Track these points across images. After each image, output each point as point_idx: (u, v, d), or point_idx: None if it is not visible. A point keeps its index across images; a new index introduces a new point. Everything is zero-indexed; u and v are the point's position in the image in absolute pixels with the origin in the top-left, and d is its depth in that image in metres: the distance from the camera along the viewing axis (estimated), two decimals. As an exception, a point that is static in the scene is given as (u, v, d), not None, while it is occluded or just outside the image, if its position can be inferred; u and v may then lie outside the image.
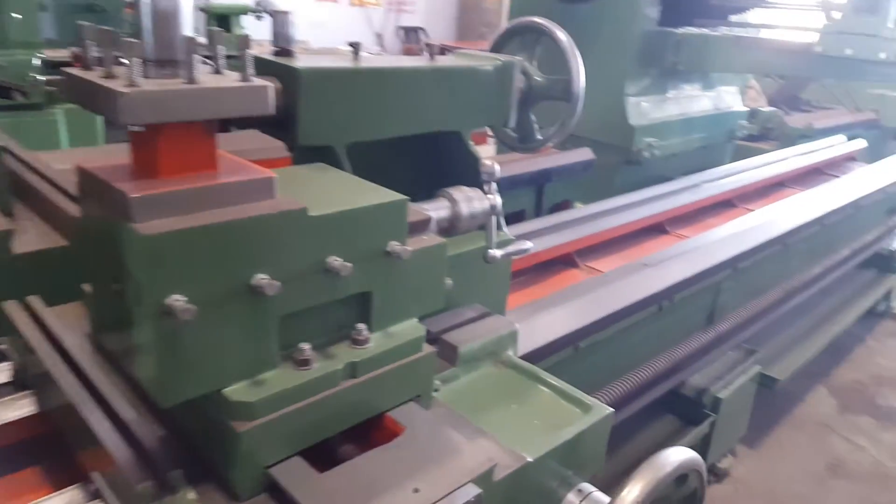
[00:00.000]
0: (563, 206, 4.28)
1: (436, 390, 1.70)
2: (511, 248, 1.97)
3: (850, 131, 5.78)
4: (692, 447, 3.26)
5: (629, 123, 4.15)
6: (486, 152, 4.43)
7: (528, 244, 2.03)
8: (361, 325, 1.40)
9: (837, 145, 5.31)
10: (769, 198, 4.38)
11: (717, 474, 3.50)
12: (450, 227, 1.81)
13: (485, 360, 1.86)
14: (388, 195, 1.41)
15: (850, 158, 5.36)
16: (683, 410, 3.23)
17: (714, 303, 3.27)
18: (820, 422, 4.00)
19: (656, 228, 3.67)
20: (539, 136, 2.34)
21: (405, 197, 1.42)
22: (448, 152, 2.07)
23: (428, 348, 1.51)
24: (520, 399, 1.77)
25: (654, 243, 3.51)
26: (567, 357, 2.40)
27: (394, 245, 1.38)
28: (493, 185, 1.86)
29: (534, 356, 2.19)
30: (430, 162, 2.14)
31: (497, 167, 1.85)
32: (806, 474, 3.60)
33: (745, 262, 3.25)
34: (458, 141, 2.03)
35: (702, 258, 3.00)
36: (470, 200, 1.80)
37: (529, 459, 1.52)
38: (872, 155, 5.55)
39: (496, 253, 1.90)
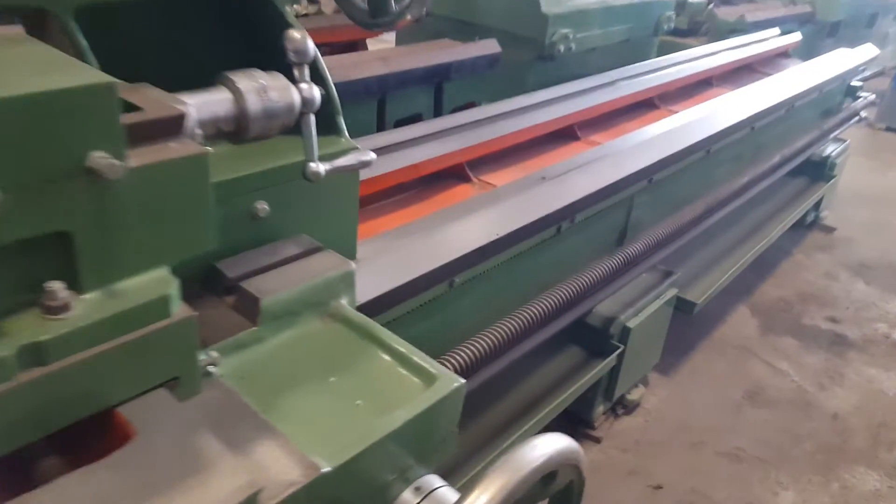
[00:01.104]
0: (466, 108, 3.73)
1: (213, 365, 1.21)
2: (343, 161, 1.45)
3: (784, 25, 5.33)
4: (599, 379, 2.95)
5: (542, 11, 3.56)
6: (378, 47, 3.69)
7: (369, 155, 1.51)
8: (54, 285, 0.88)
9: (770, 39, 4.86)
10: (694, 98, 3.93)
11: (626, 406, 3.17)
12: (238, 130, 1.26)
13: (304, 314, 1.38)
14: (82, 77, 0.86)
15: (784, 55, 4.93)
16: (589, 342, 2.85)
17: (626, 221, 2.83)
18: (740, 345, 3.70)
19: (565, 134, 3.17)
20: (394, 8, 1.77)
21: (110, 80, 0.87)
22: (258, 25, 1.51)
23: (184, 310, 1.01)
24: (344, 369, 1.30)
25: (561, 151, 3.02)
26: (440, 295, 1.93)
27: (97, 158, 0.85)
28: (306, 69, 1.30)
29: (390, 298, 1.71)
30: (235, 41, 1.57)
31: (309, 43, 1.29)
32: (722, 403, 3.31)
33: (662, 173, 2.80)
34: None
35: (611, 169, 2.53)
36: (264, 91, 1.25)
37: (325, 470, 1.07)
38: (807, 52, 5.13)
39: (319, 167, 1.37)
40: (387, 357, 1.29)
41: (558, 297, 2.29)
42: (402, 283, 1.72)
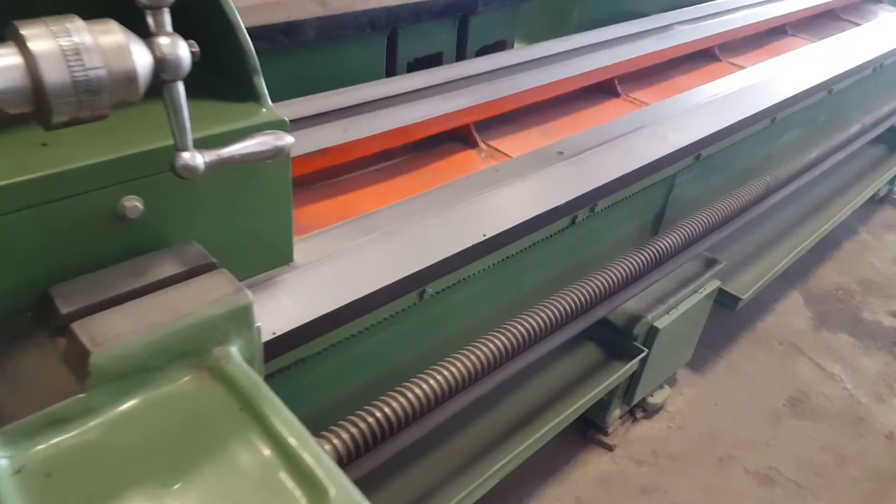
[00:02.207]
0: (495, 48, 3.23)
1: None
2: (237, 150, 1.03)
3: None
4: (615, 385, 2.54)
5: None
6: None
7: (284, 140, 1.08)
8: None
9: (861, -20, 4.17)
10: (763, 49, 3.35)
11: (646, 410, 2.78)
12: (39, 111, 0.84)
13: (165, 369, 0.98)
14: None
15: (876, 0, 4.24)
16: (609, 340, 2.43)
17: (663, 205, 2.36)
18: (787, 340, 3.24)
19: (603, 89, 2.67)
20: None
21: None
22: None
23: None
24: (198, 467, 0.90)
25: (595, 111, 2.53)
26: (409, 307, 1.53)
27: None
28: (165, 15, 0.88)
29: (329, 321, 1.31)
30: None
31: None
32: (759, 410, 2.88)
33: (714, 147, 2.30)
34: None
35: (650, 143, 2.05)
36: (75, 53, 0.81)
37: None
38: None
39: (195, 159, 0.96)
40: (267, 451, 0.90)
41: (564, 304, 1.87)
42: (348, 302, 1.32)
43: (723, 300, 2.76)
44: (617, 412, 2.67)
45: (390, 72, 2.95)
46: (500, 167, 1.81)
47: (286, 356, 1.27)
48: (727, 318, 3.14)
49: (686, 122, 2.26)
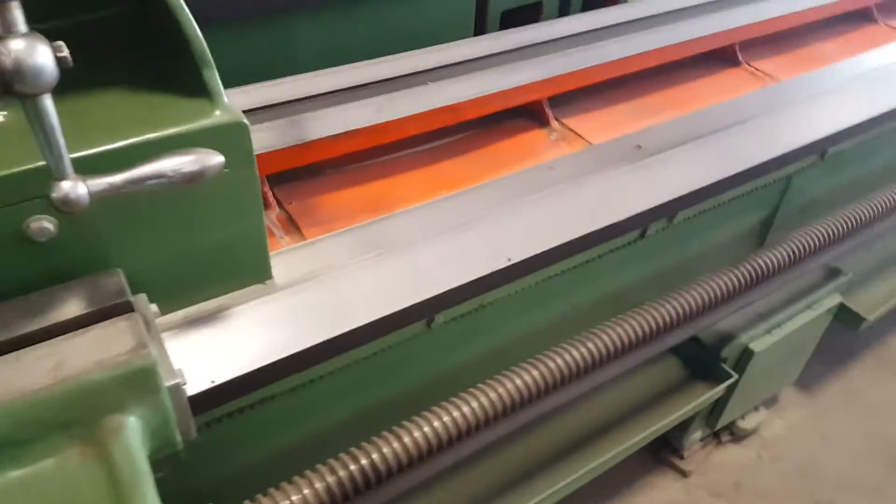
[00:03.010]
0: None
1: None
2: (132, 175, 0.81)
3: None
4: (695, 411, 2.18)
5: None
6: None
7: (213, 159, 0.84)
8: None
9: None
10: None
11: (733, 433, 2.41)
12: None
13: (46, 443, 0.79)
14: None
15: None
16: (694, 357, 2.09)
17: (774, 211, 1.94)
18: (924, 365, 2.73)
19: (722, 56, 2.23)
20: None
21: None
22: None
23: None
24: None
25: (703, 86, 2.11)
26: (418, 333, 1.29)
27: None
28: (16, 17, 0.65)
29: (303, 360, 1.09)
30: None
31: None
32: (875, 448, 2.44)
33: (846, 143, 1.84)
34: None
35: (754, 142, 1.64)
36: None
37: None
38: None
39: (73, 190, 0.75)
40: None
41: (634, 326, 1.56)
42: (316, 343, 1.08)
43: (843, 318, 2.31)
44: (697, 434, 2.33)
45: (480, 26, 2.63)
46: (556, 164, 1.48)
47: (237, 401, 1.06)
48: (849, 332, 2.67)
49: (819, 107, 1.81)
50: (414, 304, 1.16)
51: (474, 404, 1.32)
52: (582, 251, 1.32)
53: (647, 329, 1.61)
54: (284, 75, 1.74)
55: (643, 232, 1.49)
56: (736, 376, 2.01)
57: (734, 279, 1.73)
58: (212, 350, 1.02)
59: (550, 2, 2.74)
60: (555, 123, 1.85)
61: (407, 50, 1.92)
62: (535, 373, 1.41)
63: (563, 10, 2.82)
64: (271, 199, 1.52)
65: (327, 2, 2.11)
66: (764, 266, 1.78)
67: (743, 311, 2.05)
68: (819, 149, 1.73)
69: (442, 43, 1.95)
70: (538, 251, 1.24)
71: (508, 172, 1.61)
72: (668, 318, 1.63)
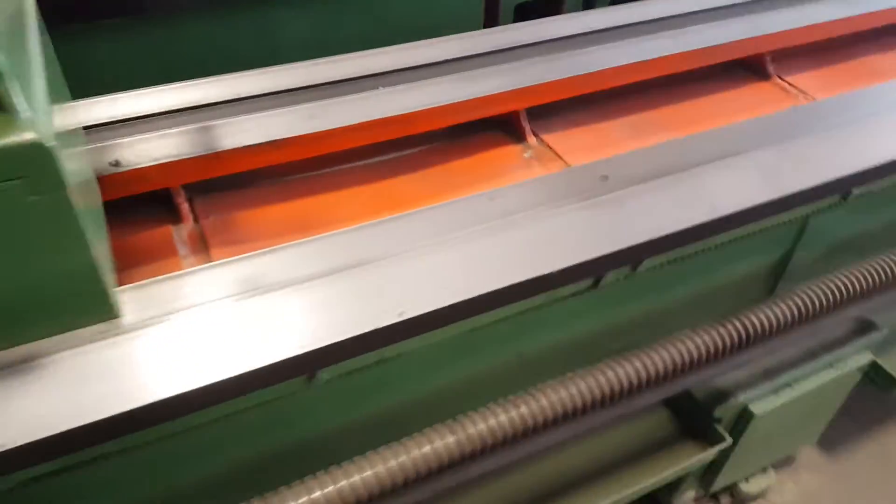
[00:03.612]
0: None
1: None
2: None
3: None
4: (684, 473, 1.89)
5: None
6: None
7: None
8: None
9: None
10: None
11: (734, 496, 2.14)
12: None
13: None
14: None
15: None
16: (686, 410, 1.83)
17: (789, 249, 1.65)
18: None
19: (749, 67, 1.93)
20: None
21: None
22: None
23: None
24: None
25: (721, 101, 1.83)
26: (291, 393, 1.10)
27: None
28: None
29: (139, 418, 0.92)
30: None
31: None
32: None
33: (881, 183, 1.54)
34: None
35: (763, 175, 1.37)
36: None
37: None
38: None
39: None
40: None
41: (610, 377, 1.34)
42: (147, 403, 0.91)
43: (875, 379, 2.00)
44: (691, 494, 2.07)
45: (490, 20, 2.41)
46: (497, 194, 1.25)
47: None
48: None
49: (851, 135, 1.52)
50: (273, 363, 0.97)
51: (401, 458, 1.14)
52: (493, 308, 1.10)
53: (616, 383, 1.38)
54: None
55: (596, 281, 1.25)
56: (730, 440, 1.75)
57: (725, 334, 1.48)
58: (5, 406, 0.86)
59: None
60: (532, 139, 1.61)
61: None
62: (499, 418, 1.22)
63: (589, 3, 2.57)
64: (186, 211, 1.36)
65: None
66: (764, 320, 1.51)
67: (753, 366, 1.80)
68: (839, 189, 1.44)
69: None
70: (437, 306, 1.02)
71: (462, 195, 1.40)
72: (643, 373, 1.40)
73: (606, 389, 1.37)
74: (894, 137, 1.53)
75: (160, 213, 1.36)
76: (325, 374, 1.06)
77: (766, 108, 1.77)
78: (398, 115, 1.42)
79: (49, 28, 1.17)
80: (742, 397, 1.73)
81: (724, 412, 1.75)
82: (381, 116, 1.41)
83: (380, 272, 1.08)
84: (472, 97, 1.49)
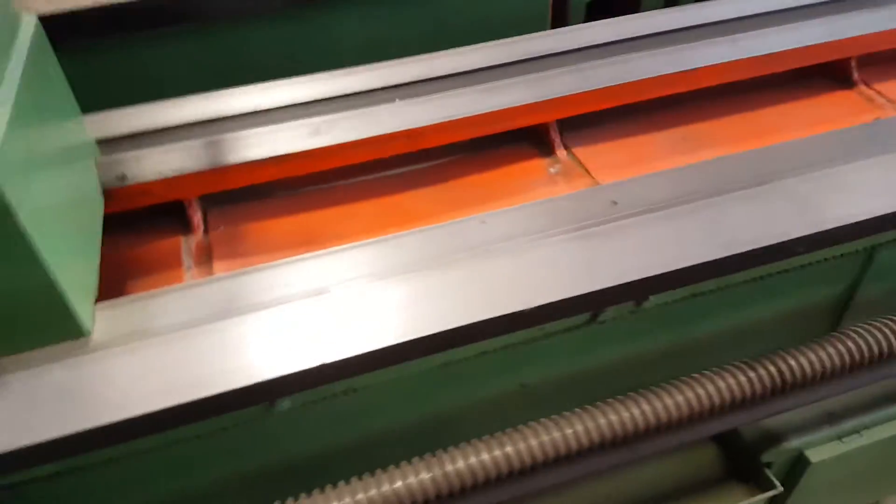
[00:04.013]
0: None
1: None
2: None
3: None
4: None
5: None
6: None
7: None
8: None
9: None
10: None
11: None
12: None
13: None
14: None
15: None
16: (736, 450, 1.67)
17: (854, 282, 1.46)
18: None
19: (831, 73, 1.73)
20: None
21: None
22: None
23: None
24: None
25: (799, 110, 1.64)
26: (252, 419, 1.08)
27: None
28: None
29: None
30: None
31: None
32: None
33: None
34: None
35: (801, 206, 1.21)
36: None
37: None
38: None
39: None
40: None
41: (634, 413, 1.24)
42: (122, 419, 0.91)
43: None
44: (746, 539, 1.89)
45: (559, 17, 2.30)
46: (490, 218, 1.17)
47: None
48: None
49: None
50: (230, 390, 0.96)
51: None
52: (457, 345, 1.02)
53: (640, 418, 1.28)
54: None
55: (594, 316, 1.14)
56: (781, 489, 1.58)
57: (772, 371, 1.33)
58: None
59: None
60: (561, 153, 1.52)
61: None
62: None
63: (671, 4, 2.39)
64: (196, 222, 1.38)
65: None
66: (815, 360, 1.35)
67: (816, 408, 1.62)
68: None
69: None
70: (391, 343, 0.97)
71: (475, 211, 1.34)
72: (675, 410, 1.29)
73: (630, 425, 1.27)
74: None
75: (175, 223, 1.39)
76: (286, 403, 1.04)
77: (842, 120, 1.58)
78: (407, 130, 1.37)
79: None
80: (795, 442, 1.55)
81: (776, 457, 1.57)
82: (390, 131, 1.36)
83: (348, 301, 1.04)
84: (487, 111, 1.41)
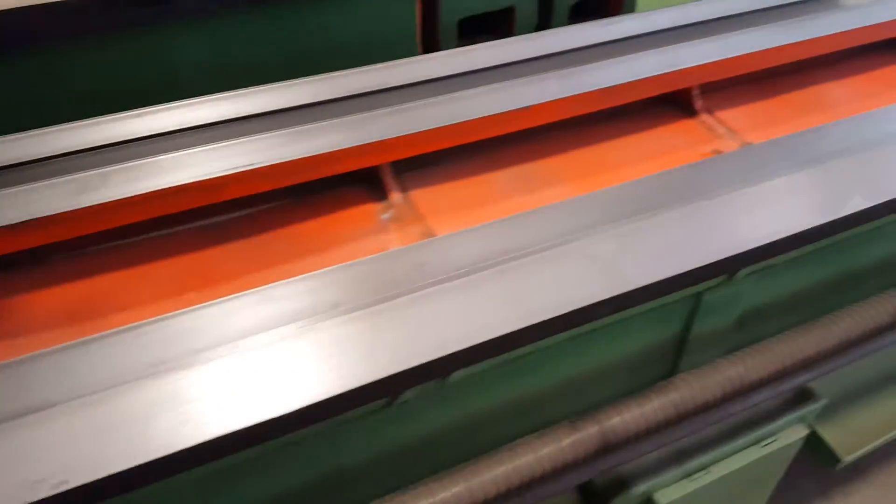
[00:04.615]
0: (603, 7, 2.39)
1: None
2: None
3: None
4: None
5: None
6: None
7: None
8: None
9: None
10: None
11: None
12: None
13: None
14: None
15: None
16: (590, 495, 1.63)
17: (684, 327, 1.43)
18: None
19: (674, 101, 1.70)
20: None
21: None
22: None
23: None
24: None
25: (644, 142, 1.60)
26: None
27: None
28: None
29: None
30: None
31: None
32: None
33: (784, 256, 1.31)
34: None
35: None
36: None
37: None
38: None
39: None
40: None
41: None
42: None
43: (816, 449, 1.77)
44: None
45: (429, 41, 2.18)
46: (270, 291, 1.05)
47: None
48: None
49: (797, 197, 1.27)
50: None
51: None
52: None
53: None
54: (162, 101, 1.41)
55: (389, 401, 1.04)
56: (626, 536, 1.54)
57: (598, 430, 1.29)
58: None
59: (526, 6, 2.27)
60: (396, 196, 1.41)
61: (327, 69, 1.55)
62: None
63: (544, 21, 2.33)
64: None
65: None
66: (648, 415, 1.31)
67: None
68: (728, 267, 1.22)
69: (381, 62, 1.57)
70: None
71: (284, 271, 1.23)
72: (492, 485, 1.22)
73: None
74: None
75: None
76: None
77: (683, 152, 1.55)
78: (199, 182, 1.22)
79: None
80: (643, 486, 1.52)
81: (626, 502, 1.54)
82: (175, 184, 1.21)
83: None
84: (301, 156, 1.29)
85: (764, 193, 1.26)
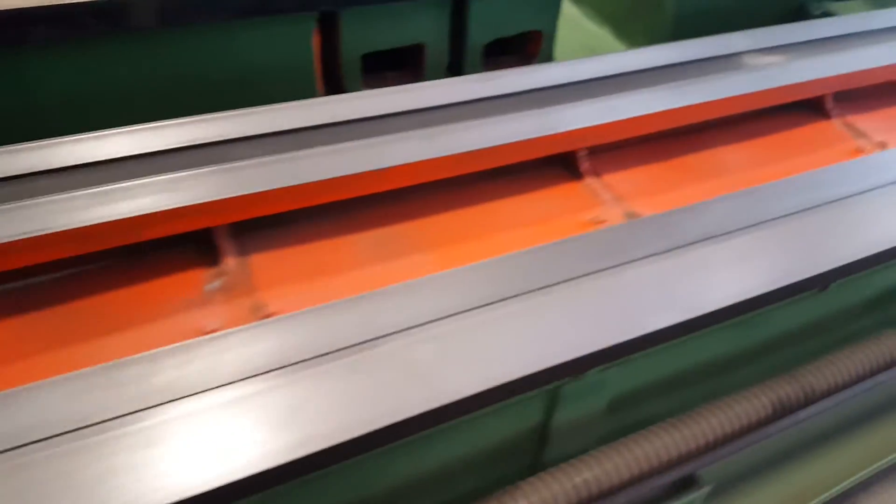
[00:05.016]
0: (523, 46, 2.26)
1: None
2: None
3: None
4: None
5: None
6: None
7: None
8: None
9: None
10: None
11: None
12: None
13: None
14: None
15: None
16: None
17: (543, 421, 1.30)
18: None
19: (561, 161, 1.58)
20: None
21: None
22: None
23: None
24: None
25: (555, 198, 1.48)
26: None
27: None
28: None
29: None
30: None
31: None
32: None
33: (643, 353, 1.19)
34: None
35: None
36: None
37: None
38: None
39: None
40: None
41: None
42: None
43: (703, 542, 1.65)
44: None
45: (331, 77, 2.02)
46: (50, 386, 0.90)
47: None
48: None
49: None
50: None
51: None
52: None
53: None
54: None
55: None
56: None
57: None
58: None
59: (437, 44, 2.13)
60: (231, 262, 1.27)
61: (204, 107, 1.41)
62: None
63: (456, 59, 2.19)
64: None
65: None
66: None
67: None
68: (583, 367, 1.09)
69: (275, 99, 1.44)
70: None
71: (89, 350, 1.08)
72: None
73: None
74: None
75: None
76: None
77: (561, 219, 1.44)
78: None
79: None
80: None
81: None
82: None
83: None
84: (112, 219, 1.14)
85: (626, 281, 1.14)
